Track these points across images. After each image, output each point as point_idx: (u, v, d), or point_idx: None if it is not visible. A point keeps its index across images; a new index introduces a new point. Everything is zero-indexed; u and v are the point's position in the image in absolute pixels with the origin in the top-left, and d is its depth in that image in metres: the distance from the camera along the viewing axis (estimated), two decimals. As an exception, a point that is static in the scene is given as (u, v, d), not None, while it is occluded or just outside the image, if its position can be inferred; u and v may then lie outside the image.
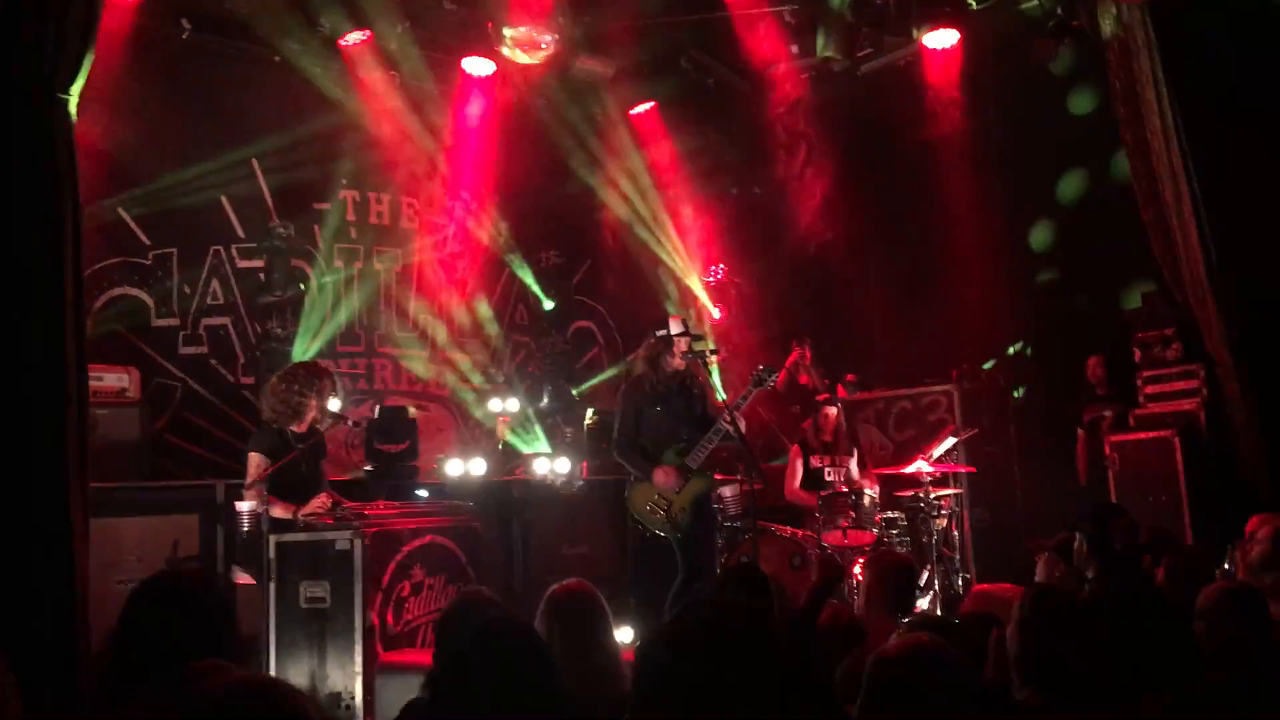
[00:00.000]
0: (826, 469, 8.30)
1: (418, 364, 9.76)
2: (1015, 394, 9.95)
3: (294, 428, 6.27)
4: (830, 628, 4.08)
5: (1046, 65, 8.95)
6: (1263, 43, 7.54)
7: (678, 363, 6.98)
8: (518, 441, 9.11)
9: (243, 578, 6.02)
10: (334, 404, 6.52)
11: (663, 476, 6.73)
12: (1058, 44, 8.66)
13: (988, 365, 10.04)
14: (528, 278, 10.51)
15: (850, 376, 9.91)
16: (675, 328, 6.97)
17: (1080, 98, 9.50)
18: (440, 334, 9.95)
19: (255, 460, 6.07)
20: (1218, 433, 7.87)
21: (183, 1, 7.94)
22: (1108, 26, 7.87)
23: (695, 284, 10.77)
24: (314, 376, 6.40)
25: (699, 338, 7.19)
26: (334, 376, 6.55)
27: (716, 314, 10.71)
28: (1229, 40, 7.70)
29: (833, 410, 8.47)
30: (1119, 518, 4.78)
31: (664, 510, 6.76)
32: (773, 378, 7.04)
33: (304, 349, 8.59)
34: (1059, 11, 8.53)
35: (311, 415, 6.32)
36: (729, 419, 6.63)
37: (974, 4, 8.69)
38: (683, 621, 2.33)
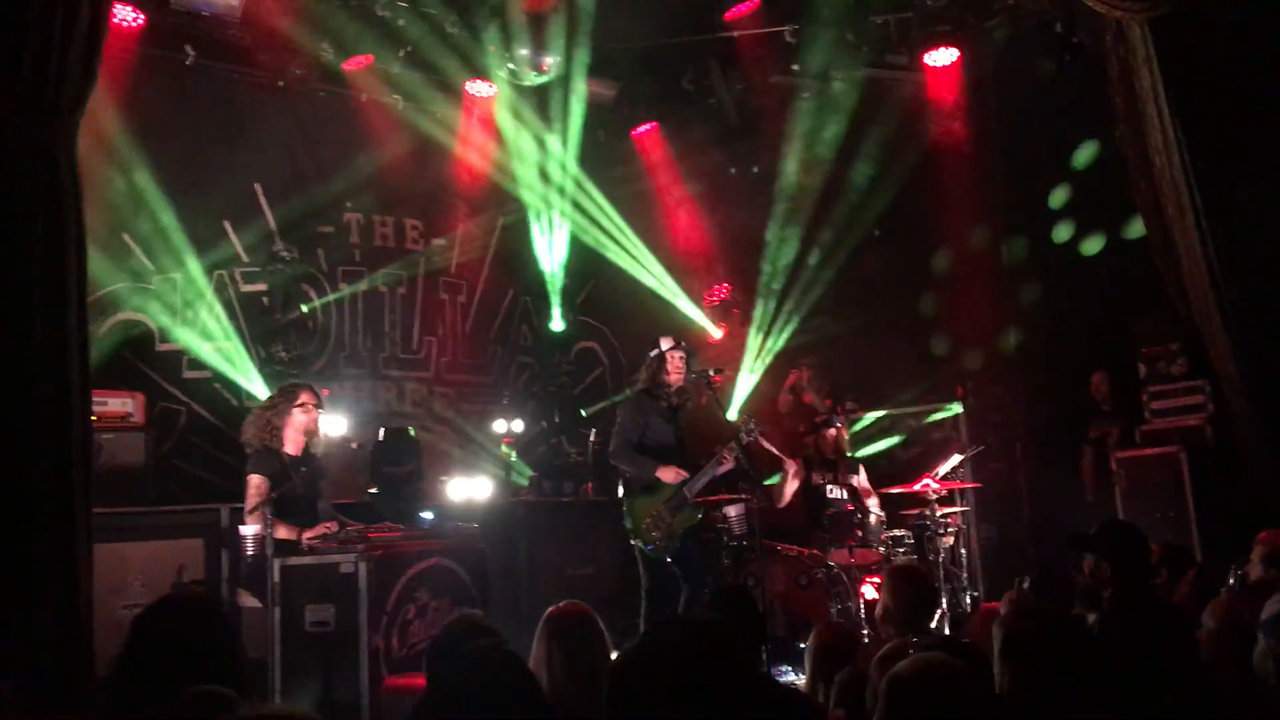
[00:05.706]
0: (828, 486, 8.29)
1: (422, 385, 9.75)
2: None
3: (289, 450, 6.28)
4: (827, 643, 4.08)
5: (1047, 82, 8.94)
6: (1264, 56, 7.55)
7: (674, 379, 7.09)
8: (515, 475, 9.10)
9: (248, 601, 6.02)
10: (337, 424, 6.51)
11: (671, 475, 6.85)
12: (1059, 61, 8.66)
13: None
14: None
15: (850, 402, 9.79)
16: (666, 344, 7.13)
17: (1081, 115, 9.50)
18: (445, 355, 9.95)
19: (255, 481, 6.09)
20: (1225, 448, 7.83)
21: (186, 28, 7.96)
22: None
23: (696, 305, 10.74)
24: (280, 398, 6.43)
25: (693, 353, 7.29)
26: (316, 393, 6.50)
27: (718, 334, 10.69)
28: (1230, 54, 7.70)
29: (832, 430, 8.49)
30: (1137, 537, 4.54)
31: (663, 528, 6.86)
32: (752, 434, 7.03)
33: (307, 371, 8.59)
34: (1059, 29, 8.54)
35: (290, 436, 6.30)
36: (730, 450, 6.77)
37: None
38: (650, 641, 2.32)
